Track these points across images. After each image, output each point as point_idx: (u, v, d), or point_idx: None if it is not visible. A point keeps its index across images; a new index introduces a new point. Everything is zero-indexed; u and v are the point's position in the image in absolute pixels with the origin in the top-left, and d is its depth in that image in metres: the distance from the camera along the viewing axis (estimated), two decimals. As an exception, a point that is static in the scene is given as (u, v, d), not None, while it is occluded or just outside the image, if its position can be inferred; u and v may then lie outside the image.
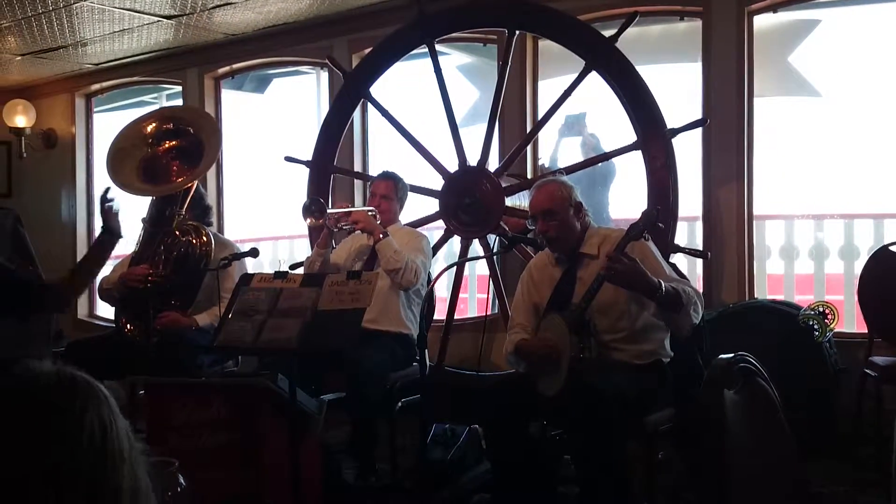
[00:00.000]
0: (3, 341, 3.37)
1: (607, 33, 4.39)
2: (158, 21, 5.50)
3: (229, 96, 6.80)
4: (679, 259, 4.68)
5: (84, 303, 7.09)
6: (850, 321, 5.06)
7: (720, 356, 2.38)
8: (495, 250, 4.74)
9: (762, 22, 4.89)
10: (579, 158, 6.50)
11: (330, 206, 4.83)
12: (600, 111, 5.95)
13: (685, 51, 5.41)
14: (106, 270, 4.18)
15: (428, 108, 5.42)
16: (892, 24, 5.90)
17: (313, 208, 4.02)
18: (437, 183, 4.82)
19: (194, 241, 4.21)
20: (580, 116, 6.31)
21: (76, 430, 1.19)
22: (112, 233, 3.58)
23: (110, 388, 1.96)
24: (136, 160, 4.32)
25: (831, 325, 4.14)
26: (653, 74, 4.79)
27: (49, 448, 1.15)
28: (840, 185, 6.96)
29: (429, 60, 4.80)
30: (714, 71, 4.72)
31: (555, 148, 6.43)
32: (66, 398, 1.24)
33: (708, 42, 4.74)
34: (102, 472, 1.17)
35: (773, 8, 4.77)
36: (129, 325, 4.21)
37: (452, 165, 4.78)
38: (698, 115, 4.62)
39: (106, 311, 6.63)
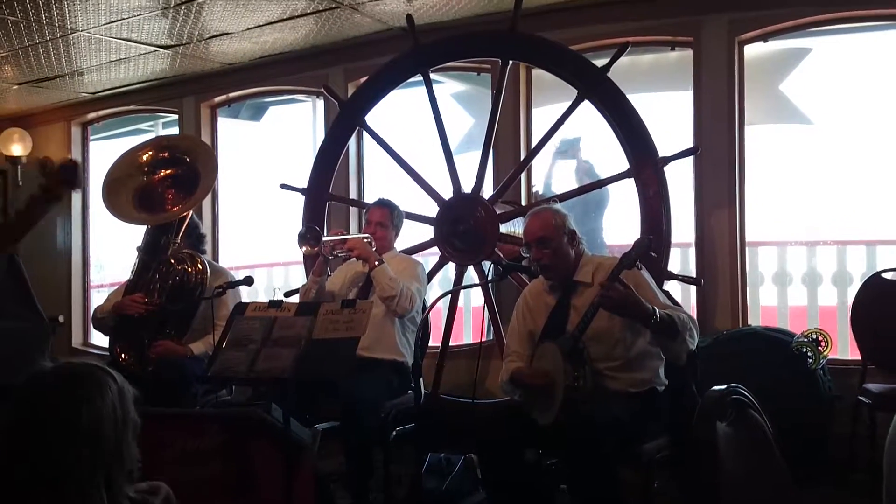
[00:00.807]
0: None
1: (599, 63, 4.43)
2: (155, 51, 5.55)
3: (225, 124, 6.84)
4: (673, 286, 4.68)
5: (78, 331, 7.08)
6: (844, 348, 5.07)
7: (713, 388, 2.38)
8: (490, 277, 4.74)
9: (753, 50, 4.95)
10: (573, 183, 6.56)
11: (325, 234, 4.85)
12: (595, 136, 5.99)
13: (677, 79, 5.46)
14: (100, 300, 4.18)
15: (423, 136, 5.45)
16: (883, 53, 5.97)
17: (309, 236, 4.03)
18: (431, 210, 4.84)
19: (189, 269, 4.22)
20: (574, 141, 6.36)
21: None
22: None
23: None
24: (131, 189, 4.34)
25: (825, 352, 4.15)
26: (645, 103, 4.84)
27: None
28: (833, 212, 7.00)
29: (424, 88, 4.84)
30: (705, 99, 4.77)
31: (549, 172, 6.47)
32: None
33: (699, 71, 4.79)
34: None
35: (764, 37, 4.83)
36: (123, 354, 4.20)
37: (447, 192, 4.81)
38: (690, 143, 4.66)
39: (100, 339, 6.61)
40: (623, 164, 4.44)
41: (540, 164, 5.90)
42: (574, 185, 6.47)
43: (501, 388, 3.39)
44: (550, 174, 6.53)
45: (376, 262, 4.03)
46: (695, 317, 4.63)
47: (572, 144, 6.38)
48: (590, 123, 5.06)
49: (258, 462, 3.09)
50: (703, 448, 2.16)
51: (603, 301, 3.00)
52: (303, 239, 4.03)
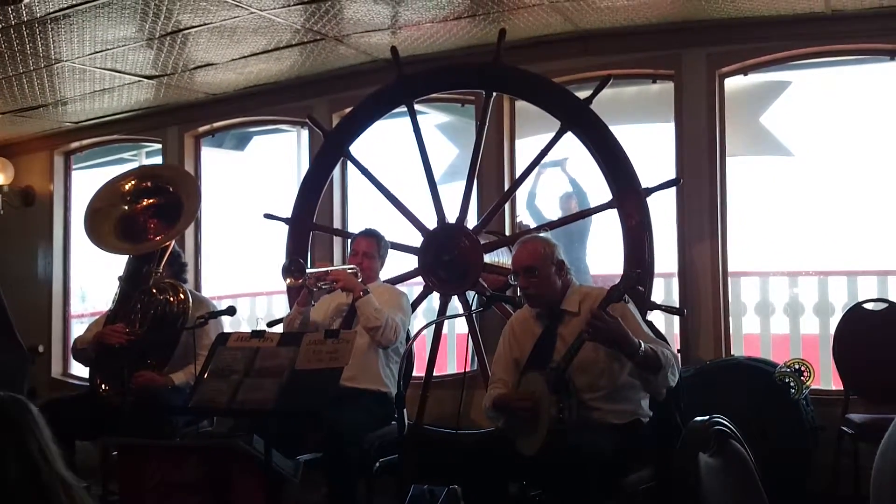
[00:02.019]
0: None
1: (582, 95, 4.48)
2: (139, 81, 5.55)
3: (209, 154, 6.84)
4: (656, 316, 4.71)
5: (58, 361, 7.00)
6: (827, 378, 5.10)
7: (695, 419, 2.39)
8: (474, 307, 4.75)
9: (733, 83, 5.02)
10: (557, 203, 6.63)
11: (309, 265, 4.84)
12: (579, 162, 6.07)
13: (659, 112, 5.52)
14: (80, 330, 4.14)
15: (407, 166, 5.48)
16: (862, 86, 6.07)
17: (293, 268, 4.02)
18: (416, 240, 4.85)
19: (171, 299, 4.20)
20: (561, 161, 6.45)
21: None
22: None
23: (83, 449, 1.95)
24: (113, 218, 4.32)
25: (807, 383, 4.17)
26: (627, 134, 4.88)
27: None
28: (814, 243, 7.07)
29: (408, 119, 4.87)
30: (686, 131, 4.82)
31: (534, 182, 6.52)
32: None
33: (680, 104, 4.85)
34: None
35: (744, 71, 4.90)
36: (103, 385, 4.16)
37: (431, 223, 4.82)
38: (672, 174, 4.71)
39: (80, 370, 6.55)
40: (608, 189, 4.46)
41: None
42: (557, 207, 6.59)
43: (485, 413, 3.38)
44: (535, 186, 6.59)
45: (361, 293, 4.02)
46: (678, 346, 4.68)
47: (559, 162, 6.47)
48: (576, 147, 5.08)
49: (240, 494, 3.06)
50: (685, 479, 2.15)
51: (591, 331, 3.00)
52: (287, 271, 4.03)
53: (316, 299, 4.28)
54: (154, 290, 4.19)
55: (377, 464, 3.78)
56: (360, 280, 4.13)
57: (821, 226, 7.08)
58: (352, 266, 4.25)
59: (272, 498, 2.83)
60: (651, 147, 5.59)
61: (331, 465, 3.67)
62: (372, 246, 4.33)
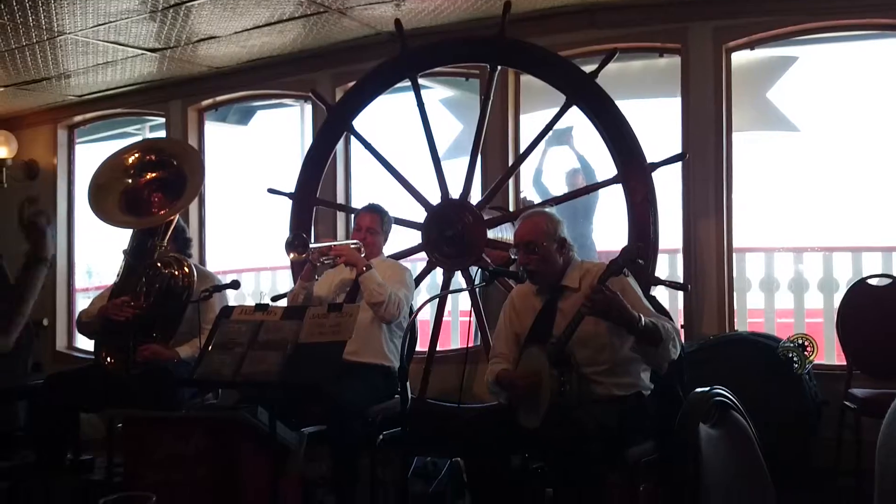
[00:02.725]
0: None
1: (588, 69, 4.44)
2: (143, 54, 5.53)
3: (213, 128, 6.82)
4: (660, 291, 4.71)
5: (63, 335, 7.03)
6: (830, 353, 5.10)
7: (696, 389, 2.39)
8: (477, 282, 4.75)
9: (740, 58, 4.98)
10: (563, 179, 6.61)
11: (312, 239, 4.84)
12: (587, 133, 6.03)
13: (666, 86, 5.49)
14: (85, 304, 4.15)
15: (411, 141, 5.46)
16: (869, 61, 6.02)
17: (296, 243, 4.02)
18: (419, 215, 4.84)
19: (176, 272, 4.20)
20: (567, 130, 6.41)
21: None
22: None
23: (88, 421, 1.96)
24: (117, 192, 4.31)
25: (811, 358, 4.18)
26: (634, 109, 4.85)
27: None
28: (819, 219, 7.05)
29: (412, 93, 4.84)
30: (693, 106, 4.79)
31: (541, 159, 6.49)
32: None
33: (686, 78, 4.81)
34: None
35: (751, 45, 4.86)
36: (109, 358, 4.17)
37: (435, 198, 4.80)
38: (678, 149, 4.68)
39: (85, 343, 6.57)
40: (614, 163, 4.44)
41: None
42: (564, 183, 6.56)
43: (488, 388, 3.39)
44: (542, 163, 6.56)
45: (364, 268, 4.02)
46: (682, 322, 4.68)
47: (565, 133, 6.42)
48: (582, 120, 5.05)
49: (245, 466, 3.08)
50: (686, 448, 2.17)
51: (589, 305, 3.00)
52: (290, 246, 4.02)
53: (320, 274, 4.28)
54: (159, 264, 4.20)
55: (380, 437, 3.81)
56: (363, 255, 4.13)
57: (826, 202, 7.06)
58: (355, 241, 4.25)
59: (276, 469, 2.85)
60: (657, 122, 5.57)
61: (334, 438, 3.69)
62: (375, 221, 4.33)
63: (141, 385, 3.84)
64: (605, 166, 4.87)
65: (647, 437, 3.19)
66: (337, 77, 5.71)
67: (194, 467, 3.11)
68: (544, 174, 6.69)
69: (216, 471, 3.09)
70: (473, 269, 4.77)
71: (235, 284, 4.24)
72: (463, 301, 6.47)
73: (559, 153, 6.67)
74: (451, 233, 4.67)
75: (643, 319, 3.02)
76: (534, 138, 4.71)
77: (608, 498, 3.01)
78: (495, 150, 5.20)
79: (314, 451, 3.59)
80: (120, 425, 3.61)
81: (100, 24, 4.89)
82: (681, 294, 4.97)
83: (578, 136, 6.46)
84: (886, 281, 4.36)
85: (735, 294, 4.96)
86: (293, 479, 3.14)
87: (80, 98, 6.72)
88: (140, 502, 2.10)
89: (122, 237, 4.41)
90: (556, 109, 4.57)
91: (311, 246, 4.07)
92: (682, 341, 3.24)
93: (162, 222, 4.26)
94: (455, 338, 6.64)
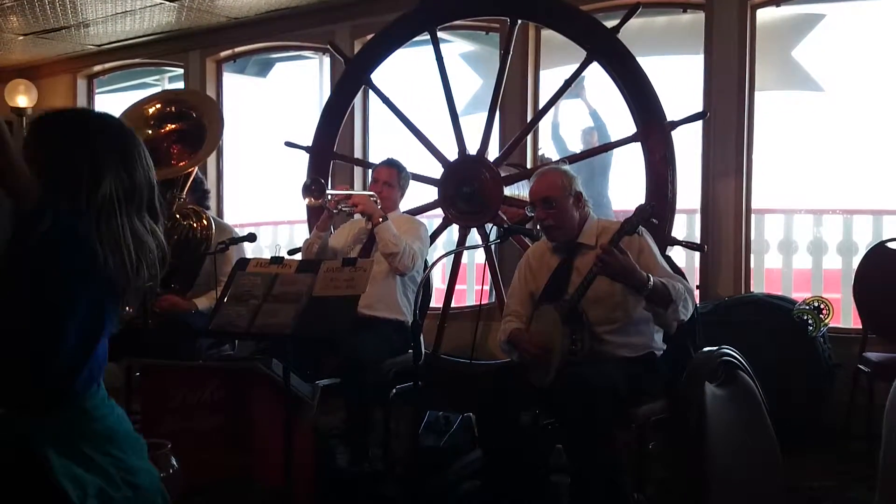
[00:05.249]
0: None
1: (610, 24, 4.38)
2: (161, 3, 5.50)
3: (231, 80, 6.80)
4: (677, 251, 4.69)
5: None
6: (847, 317, 5.08)
7: (703, 349, 2.38)
8: (493, 239, 4.75)
9: (765, 15, 4.89)
10: (580, 137, 6.54)
11: (330, 188, 4.83)
12: (602, 95, 5.96)
13: (689, 43, 5.40)
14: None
15: (429, 96, 5.42)
16: (897, 20, 5.88)
17: (313, 188, 4.00)
18: (436, 171, 4.82)
19: (195, 224, 4.22)
20: (579, 81, 6.33)
21: None
22: None
23: (107, 369, 1.99)
24: (137, 142, 4.31)
25: (826, 320, 4.16)
26: (656, 66, 4.79)
27: None
28: (840, 181, 6.96)
29: (431, 48, 4.80)
30: (716, 64, 4.72)
31: (555, 113, 6.43)
32: None
33: (710, 35, 4.74)
34: None
35: (777, 2, 4.76)
36: (127, 308, 4.21)
37: (452, 154, 4.78)
38: (699, 107, 4.62)
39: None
40: (631, 121, 4.39)
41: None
42: (579, 141, 6.50)
43: (500, 346, 3.40)
44: (556, 116, 6.50)
45: (380, 219, 4.02)
46: (697, 282, 4.66)
47: (577, 85, 6.35)
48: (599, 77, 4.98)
49: (258, 415, 3.13)
50: (691, 407, 2.17)
51: (599, 266, 3.00)
52: (307, 190, 4.01)
53: (336, 225, 4.29)
54: (178, 216, 4.22)
55: (393, 390, 3.84)
56: (379, 208, 4.13)
57: (848, 164, 6.96)
58: (371, 193, 4.25)
59: (289, 420, 2.88)
60: (679, 79, 5.49)
61: (348, 391, 3.73)
62: (393, 175, 4.31)
63: (159, 335, 3.88)
64: (617, 122, 4.80)
65: (658, 397, 3.20)
66: (356, 29, 5.67)
67: (209, 416, 3.16)
68: (562, 127, 6.64)
69: (230, 420, 3.14)
70: (489, 226, 4.76)
71: (252, 237, 4.26)
72: (478, 258, 6.48)
73: (574, 106, 6.59)
74: (468, 189, 4.66)
75: (652, 280, 3.00)
76: (553, 94, 4.66)
77: (618, 456, 3.03)
78: (514, 105, 5.16)
79: (328, 403, 3.63)
80: (138, 374, 3.67)
81: (118, -27, 4.87)
82: (697, 254, 4.94)
83: (591, 93, 6.38)
84: (906, 244, 4.31)
85: (752, 256, 4.93)
86: (306, 430, 3.18)
87: (98, 47, 6.71)
88: (156, 448, 2.15)
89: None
90: (576, 65, 4.51)
91: (328, 192, 4.06)
92: (697, 302, 3.22)
93: (181, 174, 4.26)
94: (470, 295, 6.65)
